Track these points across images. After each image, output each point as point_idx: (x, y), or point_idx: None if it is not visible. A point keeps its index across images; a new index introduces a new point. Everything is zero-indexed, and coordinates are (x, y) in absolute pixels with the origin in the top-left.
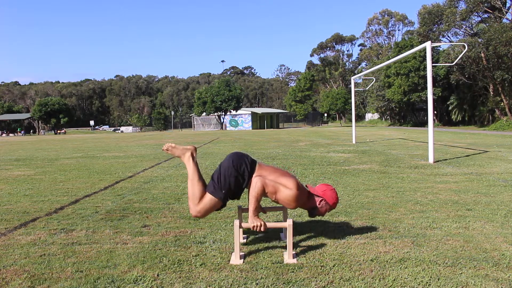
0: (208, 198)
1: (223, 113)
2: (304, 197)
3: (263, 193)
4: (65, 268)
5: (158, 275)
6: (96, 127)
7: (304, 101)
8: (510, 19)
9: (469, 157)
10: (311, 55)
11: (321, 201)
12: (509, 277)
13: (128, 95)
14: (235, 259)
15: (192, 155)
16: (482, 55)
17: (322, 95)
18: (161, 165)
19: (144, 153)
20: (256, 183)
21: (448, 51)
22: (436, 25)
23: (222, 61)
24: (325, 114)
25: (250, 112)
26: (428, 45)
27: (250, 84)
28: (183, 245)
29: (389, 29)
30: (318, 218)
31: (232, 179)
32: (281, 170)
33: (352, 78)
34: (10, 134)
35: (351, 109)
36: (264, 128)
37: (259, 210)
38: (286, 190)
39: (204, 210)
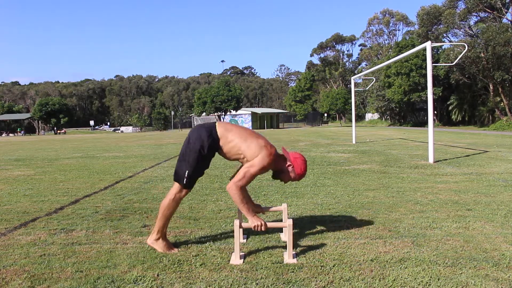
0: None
1: (223, 113)
2: (273, 158)
3: (244, 194)
4: (65, 268)
5: (158, 275)
6: (96, 127)
7: (304, 101)
8: (510, 19)
9: (469, 157)
10: (311, 55)
11: (288, 166)
12: (509, 277)
13: (128, 95)
14: (235, 259)
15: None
16: (482, 55)
17: (322, 95)
18: (161, 165)
19: (144, 153)
20: (230, 193)
21: (448, 52)
22: (435, 26)
23: (222, 61)
24: (325, 114)
25: (250, 112)
26: (428, 45)
27: (250, 84)
28: (183, 245)
29: (390, 29)
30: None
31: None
32: (247, 132)
33: (352, 78)
34: (10, 134)
35: (351, 109)
36: (264, 128)
37: (258, 210)
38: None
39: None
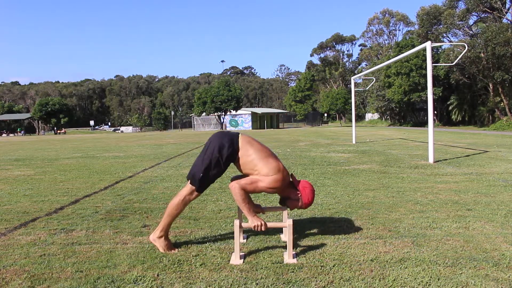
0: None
1: (223, 113)
2: (284, 183)
3: (246, 194)
4: (65, 268)
5: (158, 275)
6: (96, 127)
7: (304, 101)
8: (510, 19)
9: (469, 157)
10: (311, 55)
11: (296, 194)
12: (509, 277)
13: (128, 95)
14: (235, 259)
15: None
16: (482, 55)
17: (322, 95)
18: (161, 165)
19: (144, 153)
20: (233, 191)
21: (448, 52)
22: (435, 26)
23: (222, 61)
24: (325, 114)
25: (250, 112)
26: (428, 45)
27: (250, 84)
28: (183, 245)
29: (390, 29)
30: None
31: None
32: (267, 151)
33: (352, 78)
34: (10, 134)
35: (351, 109)
36: (264, 128)
37: (258, 210)
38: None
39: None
